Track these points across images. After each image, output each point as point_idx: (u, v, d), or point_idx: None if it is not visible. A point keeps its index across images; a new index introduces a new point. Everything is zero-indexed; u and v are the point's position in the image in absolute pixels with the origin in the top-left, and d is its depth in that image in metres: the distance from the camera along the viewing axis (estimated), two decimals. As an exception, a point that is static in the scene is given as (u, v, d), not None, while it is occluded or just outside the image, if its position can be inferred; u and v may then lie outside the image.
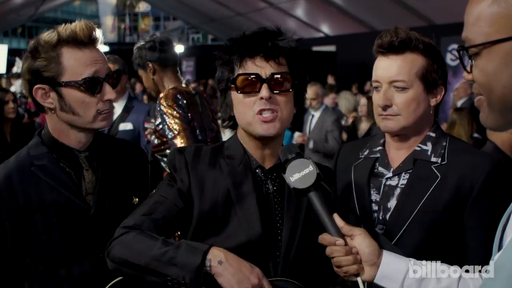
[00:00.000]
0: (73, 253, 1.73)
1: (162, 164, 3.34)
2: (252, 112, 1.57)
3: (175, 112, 3.05)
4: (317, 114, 6.31)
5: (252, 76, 1.57)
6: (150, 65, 3.29)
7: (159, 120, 3.13)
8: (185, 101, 3.14)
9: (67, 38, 1.67)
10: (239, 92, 1.58)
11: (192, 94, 3.29)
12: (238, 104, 1.61)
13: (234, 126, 1.71)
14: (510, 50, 0.99)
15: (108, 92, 1.71)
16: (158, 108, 3.13)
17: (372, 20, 14.56)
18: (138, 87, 11.80)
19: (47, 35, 1.69)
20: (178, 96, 3.13)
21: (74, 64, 1.67)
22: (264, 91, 1.55)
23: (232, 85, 1.60)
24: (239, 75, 1.58)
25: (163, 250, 1.46)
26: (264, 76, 1.56)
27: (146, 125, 3.79)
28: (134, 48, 3.45)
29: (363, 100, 6.91)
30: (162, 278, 1.46)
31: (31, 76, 1.70)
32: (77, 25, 1.69)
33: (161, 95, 3.16)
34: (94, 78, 1.68)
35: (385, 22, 12.23)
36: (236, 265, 1.44)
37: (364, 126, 6.67)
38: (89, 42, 1.70)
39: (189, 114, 3.13)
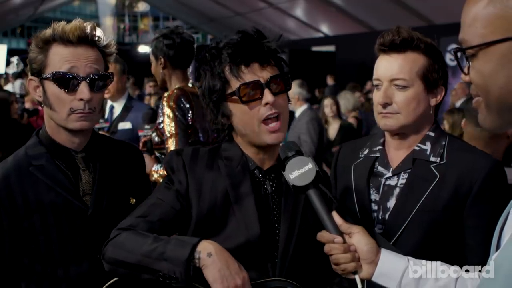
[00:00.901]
0: (70, 254, 1.73)
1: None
2: (257, 121, 1.56)
3: (172, 115, 3.08)
4: (297, 114, 6.01)
5: (254, 84, 1.56)
6: (162, 60, 3.30)
7: (161, 119, 3.16)
8: (188, 104, 3.15)
9: (57, 35, 1.71)
10: (243, 101, 1.56)
11: (197, 95, 3.29)
12: (240, 113, 1.59)
13: (228, 136, 1.68)
14: (506, 51, 0.99)
15: (83, 92, 1.69)
16: (161, 107, 3.16)
17: (371, 20, 14.55)
18: (148, 88, 11.71)
19: (45, 30, 1.74)
20: (182, 98, 3.15)
21: (55, 59, 1.70)
22: (269, 96, 1.55)
23: (234, 96, 1.58)
24: (241, 85, 1.56)
25: (153, 246, 1.45)
26: (263, 82, 1.56)
27: (140, 133, 3.79)
28: (155, 34, 3.45)
29: (327, 101, 6.61)
30: (154, 274, 1.45)
31: (29, 67, 1.77)
32: (71, 24, 1.72)
33: (166, 94, 3.20)
34: (66, 74, 1.69)
35: (384, 22, 12.22)
36: (225, 261, 1.43)
37: (332, 128, 6.49)
38: (78, 41, 1.71)
39: (190, 117, 3.14)
